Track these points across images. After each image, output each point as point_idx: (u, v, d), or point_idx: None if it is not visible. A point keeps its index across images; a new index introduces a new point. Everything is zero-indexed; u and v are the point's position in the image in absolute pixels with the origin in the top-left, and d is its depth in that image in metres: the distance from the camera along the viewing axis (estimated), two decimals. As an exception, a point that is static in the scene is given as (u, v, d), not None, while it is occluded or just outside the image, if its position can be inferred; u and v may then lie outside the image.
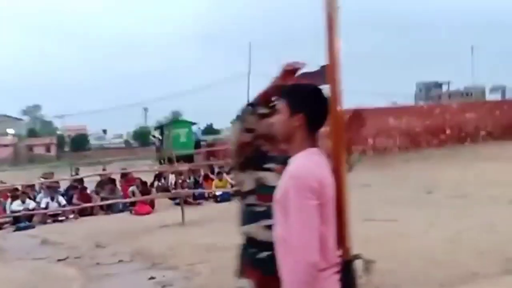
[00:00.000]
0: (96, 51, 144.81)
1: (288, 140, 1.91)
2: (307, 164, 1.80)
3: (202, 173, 13.96)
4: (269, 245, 2.11)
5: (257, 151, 2.34)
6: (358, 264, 1.83)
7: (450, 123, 21.63)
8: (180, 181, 12.12)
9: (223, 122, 56.16)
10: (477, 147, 19.36)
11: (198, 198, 12.12)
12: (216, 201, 12.01)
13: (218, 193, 12.18)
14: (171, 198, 12.11)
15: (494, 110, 22.42)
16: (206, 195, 12.52)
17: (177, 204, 11.14)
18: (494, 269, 5.09)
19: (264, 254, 2.22)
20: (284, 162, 2.20)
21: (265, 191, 2.27)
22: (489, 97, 59.42)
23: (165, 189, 13.09)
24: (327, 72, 1.91)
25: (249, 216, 2.35)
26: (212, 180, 13.19)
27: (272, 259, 2.03)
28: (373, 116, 21.56)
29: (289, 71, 2.08)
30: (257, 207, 2.31)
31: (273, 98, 2.07)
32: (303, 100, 1.88)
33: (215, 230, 8.22)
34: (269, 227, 2.17)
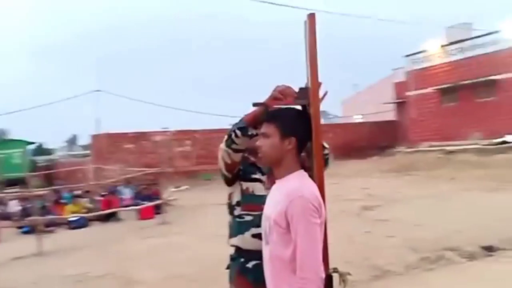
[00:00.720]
0: None
1: (278, 163, 1.95)
2: (308, 185, 1.86)
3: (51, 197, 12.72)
4: (256, 254, 2.15)
5: (244, 162, 2.36)
6: (336, 278, 1.95)
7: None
8: (27, 206, 10.86)
9: (55, 142, 51.73)
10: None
11: (50, 225, 10.99)
12: (71, 228, 11.05)
13: (72, 218, 11.21)
14: (18, 227, 10.76)
15: (327, 133, 25.00)
16: (59, 221, 11.42)
17: (26, 232, 10.05)
18: (363, 276, 5.69)
19: (252, 262, 2.26)
20: (270, 172, 2.27)
21: (252, 201, 2.32)
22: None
23: (5, 217, 11.61)
24: (311, 93, 1.98)
25: (238, 227, 2.35)
26: (62, 205, 12.14)
27: (260, 268, 2.07)
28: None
29: (278, 97, 2.07)
30: (245, 217, 2.34)
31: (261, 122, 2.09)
32: (293, 124, 1.93)
33: (80, 259, 7.62)
34: (256, 235, 2.21)
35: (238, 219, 2.35)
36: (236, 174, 2.36)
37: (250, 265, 2.29)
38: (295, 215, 1.78)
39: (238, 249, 2.36)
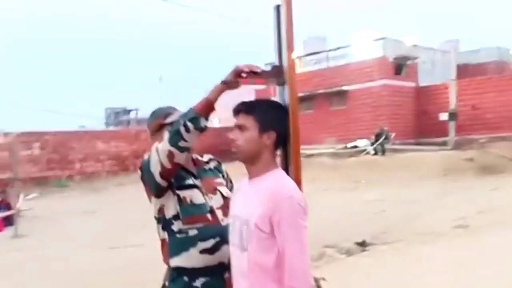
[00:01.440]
0: None
1: (254, 159, 1.71)
2: (292, 184, 1.64)
3: None
4: (203, 270, 1.95)
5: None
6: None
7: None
8: None
9: None
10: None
11: None
12: None
13: None
14: None
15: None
16: None
17: None
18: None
19: (201, 280, 1.96)
20: (200, 176, 2.08)
21: (194, 212, 1.98)
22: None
23: None
24: (287, 73, 1.76)
25: (180, 245, 1.97)
26: None
27: (211, 285, 1.93)
28: (80, 139, 20.64)
29: (239, 74, 1.80)
30: (189, 231, 1.97)
31: (234, 112, 1.75)
32: (274, 117, 1.72)
33: None
34: (205, 250, 1.95)
35: (179, 235, 1.97)
36: (170, 182, 1.97)
37: (198, 283, 1.96)
38: (284, 218, 1.55)
39: (180, 270, 1.98)
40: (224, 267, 1.96)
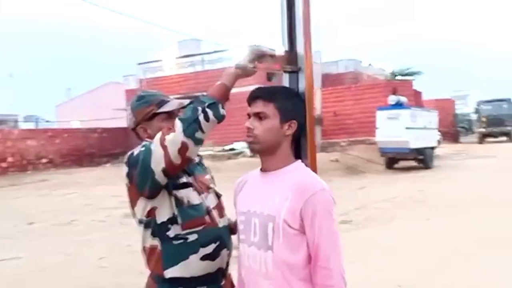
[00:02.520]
0: None
1: (273, 150, 1.61)
2: (318, 177, 1.60)
3: None
4: (204, 278, 1.77)
5: None
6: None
7: (12, 150, 20.55)
8: None
9: None
10: (41, 175, 19.23)
11: None
12: None
13: None
14: None
15: (55, 138, 22.91)
16: None
17: None
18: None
19: None
20: (192, 172, 1.88)
21: (193, 214, 1.77)
22: (23, 125, 60.93)
23: None
24: (305, 59, 1.72)
25: (179, 253, 1.75)
26: None
27: None
28: None
29: (256, 58, 1.68)
30: (189, 236, 1.75)
31: (251, 99, 1.62)
32: (295, 105, 1.64)
33: None
34: (206, 256, 1.76)
35: (176, 242, 1.75)
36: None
37: None
38: (319, 211, 1.49)
39: (177, 280, 1.76)
40: (222, 273, 1.85)
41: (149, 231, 1.78)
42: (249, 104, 1.63)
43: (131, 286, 4.96)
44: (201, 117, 1.61)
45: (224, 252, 1.82)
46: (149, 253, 1.79)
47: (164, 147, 1.63)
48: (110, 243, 7.30)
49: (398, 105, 16.13)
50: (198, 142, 1.64)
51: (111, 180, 16.92)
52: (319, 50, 31.15)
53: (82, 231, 8.44)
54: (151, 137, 1.77)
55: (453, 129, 33.05)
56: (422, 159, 16.13)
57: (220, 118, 1.66)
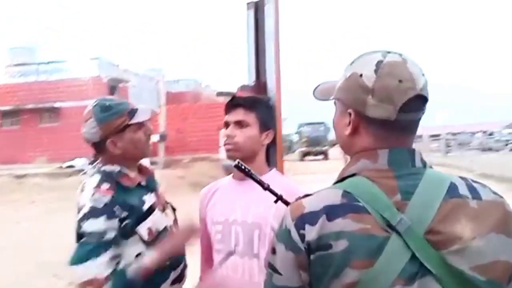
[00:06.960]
0: None
1: (251, 158, 1.61)
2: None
3: None
4: None
5: (120, 187, 1.63)
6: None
7: None
8: None
9: None
10: None
11: None
12: None
13: None
14: None
15: None
16: None
17: None
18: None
19: None
20: (154, 188, 1.76)
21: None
22: None
23: None
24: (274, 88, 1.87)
25: (148, 285, 1.55)
26: None
27: None
28: None
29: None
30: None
31: (230, 107, 1.65)
32: (272, 116, 1.69)
33: None
34: (175, 280, 1.66)
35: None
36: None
37: None
38: None
39: None
40: None
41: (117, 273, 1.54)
42: (227, 112, 1.63)
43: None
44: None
45: (186, 271, 1.74)
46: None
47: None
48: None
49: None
50: None
51: None
52: (159, 68, 31.53)
53: None
54: (123, 150, 1.64)
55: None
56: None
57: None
